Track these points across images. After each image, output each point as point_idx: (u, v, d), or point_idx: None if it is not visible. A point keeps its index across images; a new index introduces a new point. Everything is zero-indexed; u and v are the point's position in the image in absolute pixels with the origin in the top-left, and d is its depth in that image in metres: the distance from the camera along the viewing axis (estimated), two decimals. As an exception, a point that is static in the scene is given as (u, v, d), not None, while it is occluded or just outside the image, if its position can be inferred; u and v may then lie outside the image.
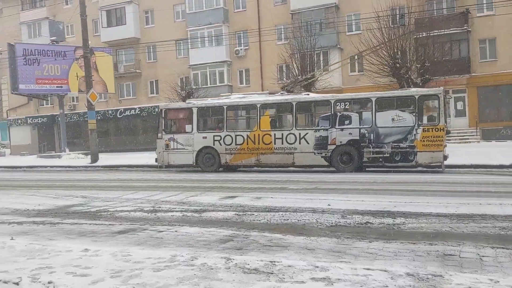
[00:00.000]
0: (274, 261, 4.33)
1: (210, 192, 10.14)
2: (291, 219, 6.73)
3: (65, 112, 32.16)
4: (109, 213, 7.83)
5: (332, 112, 15.26)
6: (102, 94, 33.12)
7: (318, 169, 15.66)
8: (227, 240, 5.53)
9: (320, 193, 9.48)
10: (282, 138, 15.88)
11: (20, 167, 23.50)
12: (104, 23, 34.89)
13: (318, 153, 15.40)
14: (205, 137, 17.06)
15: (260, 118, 16.21)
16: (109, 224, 6.73)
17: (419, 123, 14.16)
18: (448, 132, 14.60)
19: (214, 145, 16.93)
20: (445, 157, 14.26)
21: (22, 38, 36.72)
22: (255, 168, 16.55)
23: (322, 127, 15.42)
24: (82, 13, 22.28)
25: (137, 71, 34.99)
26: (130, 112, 34.02)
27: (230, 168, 16.91)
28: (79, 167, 21.72)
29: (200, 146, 17.12)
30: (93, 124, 22.46)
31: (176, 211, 7.70)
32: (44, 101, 37.04)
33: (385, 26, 21.85)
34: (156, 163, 17.18)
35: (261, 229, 6.09)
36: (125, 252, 4.73)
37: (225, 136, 16.65)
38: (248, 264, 4.25)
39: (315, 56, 26.13)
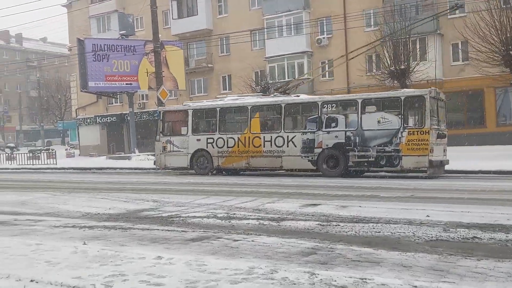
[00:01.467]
0: (365, 278, 4.26)
1: (288, 199, 10.25)
2: (383, 231, 6.63)
3: (134, 111, 33.99)
4: (181, 218, 8.16)
5: (319, 115, 16.29)
6: (173, 91, 34.59)
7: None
8: (309, 252, 5.52)
9: (417, 202, 9.31)
10: (271, 141, 17.09)
11: (90, 168, 25.23)
12: (175, 14, 36.44)
13: (305, 156, 16.46)
14: (199, 140, 18.65)
15: (250, 121, 17.51)
16: (182, 231, 7.01)
17: (405, 125, 14.90)
18: (443, 136, 15.31)
19: (207, 147, 18.44)
20: (441, 162, 15.03)
21: (92, 33, 39.41)
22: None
23: (309, 130, 16.44)
24: (152, 4, 23.43)
25: (209, 65, 36.09)
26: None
27: (220, 171, 18.45)
28: (149, 169, 22.76)
29: (194, 148, 18.73)
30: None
31: (252, 219, 7.85)
32: (113, 99, 39.52)
33: (496, 7, 20.52)
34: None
35: (348, 241, 6.04)
36: (199, 262, 4.91)
37: (218, 138, 18.18)
38: (335, 281, 4.21)
39: (410, 44, 25.21)
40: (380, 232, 6.60)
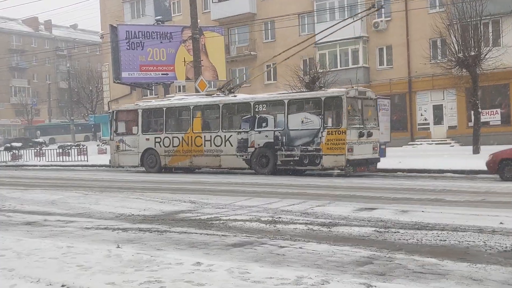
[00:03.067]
0: (429, 293, 4.19)
1: (340, 202, 10.26)
2: (449, 239, 6.55)
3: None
4: (221, 222, 8.28)
5: (252, 114, 18.48)
6: (212, 82, 34.96)
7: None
8: (365, 262, 5.48)
9: (489, 207, 9.17)
10: (210, 140, 19.39)
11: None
12: (215, -3, 36.78)
13: (240, 155, 18.71)
14: (148, 139, 21.10)
15: (193, 120, 19.91)
16: (222, 235, 7.11)
17: (325, 125, 16.93)
18: (370, 135, 17.20)
19: (155, 146, 20.89)
20: (366, 161, 17.06)
21: (125, 19, 40.36)
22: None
23: (244, 130, 18.66)
24: (190, -14, 23.77)
25: (252, 53, 36.23)
26: (243, 102, 35.41)
27: (168, 170, 20.73)
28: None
29: (144, 147, 21.20)
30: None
31: (300, 223, 7.88)
32: (148, 91, 40.36)
33: None
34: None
35: (409, 251, 5.99)
36: (242, 269, 4.96)
37: (164, 138, 20.57)
38: (395, 295, 4.17)
39: (481, 27, 24.42)
40: (445, 240, 6.51)
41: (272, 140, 18.00)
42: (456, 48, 23.70)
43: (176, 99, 21.57)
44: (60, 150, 32.03)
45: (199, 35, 24.96)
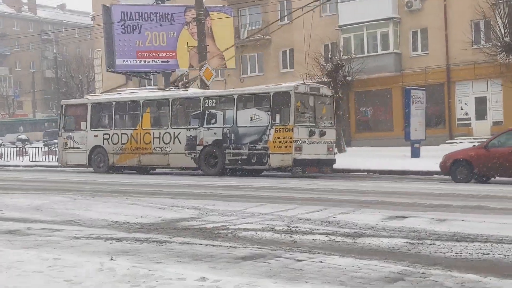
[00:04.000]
0: (470, 316, 4.17)
1: (367, 209, 10.30)
2: (493, 253, 6.54)
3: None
4: (229, 231, 8.30)
5: (201, 110, 19.75)
6: (219, 71, 35.04)
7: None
8: (395, 278, 5.47)
9: None
10: (159, 138, 20.59)
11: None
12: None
13: (188, 154, 19.87)
14: (97, 136, 22.27)
15: (142, 116, 21.21)
16: (230, 247, 7.11)
17: (273, 122, 18.12)
18: (323, 134, 18.47)
19: (103, 144, 22.05)
20: (318, 161, 18.48)
21: (120, -2, 40.51)
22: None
23: (193, 126, 19.91)
24: (194, -40, 23.82)
25: (266, 37, 36.25)
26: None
27: (118, 169, 22.13)
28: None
29: (92, 145, 22.40)
30: (207, 110, 23.86)
31: (320, 234, 7.87)
32: (146, 81, 40.54)
33: None
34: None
35: (446, 265, 5.97)
36: (253, 285, 4.97)
37: (113, 134, 21.76)
38: (430, 317, 4.15)
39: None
40: (489, 254, 6.50)
41: (221, 138, 19.22)
42: (502, 32, 23.54)
43: (126, 93, 23.20)
44: (46, 149, 32.25)
45: (204, 16, 25.03)
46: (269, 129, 18.21)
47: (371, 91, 32.60)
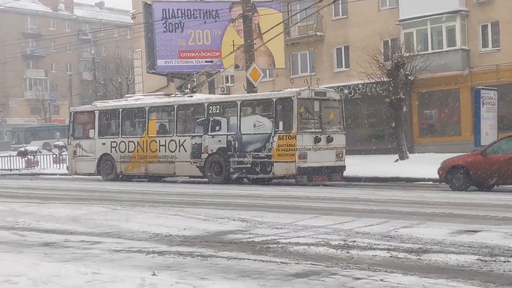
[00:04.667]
0: None
1: (433, 222, 10.19)
2: None
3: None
4: (279, 245, 8.28)
5: (206, 117, 20.82)
6: (267, 71, 35.12)
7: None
8: (465, 300, 5.36)
9: None
10: (165, 145, 21.77)
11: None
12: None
13: (194, 162, 20.95)
14: (104, 144, 23.63)
15: (148, 123, 22.55)
16: (281, 262, 7.10)
17: (276, 129, 19.01)
18: (330, 140, 19.25)
19: (111, 152, 23.36)
20: (327, 169, 19.10)
21: (162, -5, 41.08)
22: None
23: (197, 134, 21.05)
24: (240, -48, 23.98)
25: (318, 33, 36.17)
26: (306, 96, 35.40)
27: (125, 178, 23.35)
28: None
29: (100, 153, 23.71)
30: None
31: (380, 249, 7.81)
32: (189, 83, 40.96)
33: None
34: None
35: (523, 286, 5.86)
36: (306, 306, 4.94)
37: (120, 142, 23.15)
38: None
39: None
40: None
41: (225, 145, 20.19)
42: None
43: (133, 100, 24.47)
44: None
45: (251, 12, 25.13)
46: (273, 137, 19.03)
47: (436, 91, 32.06)
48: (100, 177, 24.42)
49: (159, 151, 21.99)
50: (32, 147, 43.60)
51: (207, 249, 8.14)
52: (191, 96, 22.57)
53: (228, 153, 20.01)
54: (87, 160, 24.35)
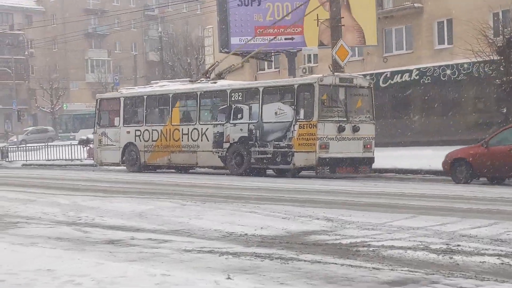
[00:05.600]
0: None
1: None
2: None
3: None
4: (371, 249, 8.24)
5: (228, 104, 22.00)
6: (357, 48, 34.75)
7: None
8: None
9: None
10: (188, 134, 23.13)
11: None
12: None
13: (215, 152, 22.20)
14: (129, 132, 25.29)
15: (171, 111, 24.02)
16: (373, 268, 7.06)
17: (297, 118, 19.98)
18: (356, 129, 20.09)
19: (135, 141, 25.00)
20: (352, 160, 20.04)
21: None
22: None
23: (220, 122, 22.30)
24: None
25: (416, 5, 35.50)
26: (401, 77, 34.78)
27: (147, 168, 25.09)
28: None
29: (125, 142, 25.36)
30: (342, 98, 23.78)
31: (489, 255, 7.67)
32: (266, 63, 41.08)
33: None
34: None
35: None
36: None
37: (144, 131, 24.70)
38: None
39: None
40: None
41: (247, 134, 21.30)
42: None
43: (158, 86, 26.08)
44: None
45: (338, -19, 24.88)
46: (293, 125, 20.00)
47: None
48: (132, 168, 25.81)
49: (182, 140, 23.38)
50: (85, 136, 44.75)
51: (288, 251, 8.17)
52: (215, 83, 23.96)
53: (250, 142, 21.15)
54: (112, 149, 26.06)
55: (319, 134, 19.37)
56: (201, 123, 22.93)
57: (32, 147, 40.26)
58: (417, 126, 33.76)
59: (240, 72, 43.67)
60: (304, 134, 19.70)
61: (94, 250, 8.58)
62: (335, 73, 20.36)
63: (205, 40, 51.73)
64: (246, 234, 9.69)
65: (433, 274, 6.74)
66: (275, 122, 20.60)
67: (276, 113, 20.66)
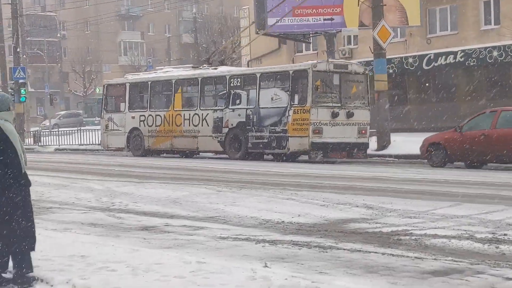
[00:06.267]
0: None
1: None
2: None
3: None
4: (413, 237, 8.23)
5: (227, 90, 23.42)
6: (399, 29, 34.43)
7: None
8: None
9: None
10: (189, 119, 24.56)
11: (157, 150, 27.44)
12: None
13: (215, 137, 23.62)
14: (134, 117, 26.76)
15: (174, 96, 25.56)
16: (415, 257, 7.06)
17: (292, 103, 21.29)
18: (350, 115, 21.14)
19: (140, 126, 26.45)
20: (347, 145, 21.20)
21: None
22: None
23: (219, 108, 23.69)
24: None
25: (462, -18, 35.00)
26: (446, 59, 34.33)
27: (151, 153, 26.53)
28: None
29: (130, 127, 26.83)
30: (383, 82, 23.64)
31: (539, 245, 7.62)
32: (303, 45, 40.98)
33: None
34: None
35: None
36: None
37: (148, 116, 26.16)
38: None
39: None
40: None
41: (244, 120, 22.61)
42: None
43: (162, 72, 27.65)
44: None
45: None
46: (288, 111, 21.25)
47: None
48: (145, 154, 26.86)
49: (184, 125, 24.84)
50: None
51: (326, 240, 8.19)
52: (216, 69, 25.25)
53: (247, 127, 22.49)
54: (118, 134, 27.50)
55: (312, 119, 20.53)
56: (201, 108, 24.33)
57: (65, 132, 40.72)
58: (462, 109, 33.35)
59: (277, 54, 43.75)
60: (298, 119, 20.91)
61: (128, 236, 8.70)
62: (329, 60, 21.90)
63: (240, 21, 51.73)
64: (283, 221, 9.73)
65: (478, 264, 6.71)
66: (271, 108, 21.90)
67: (272, 98, 21.93)
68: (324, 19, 32.24)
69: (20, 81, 39.69)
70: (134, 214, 10.85)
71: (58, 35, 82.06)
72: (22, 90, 39.30)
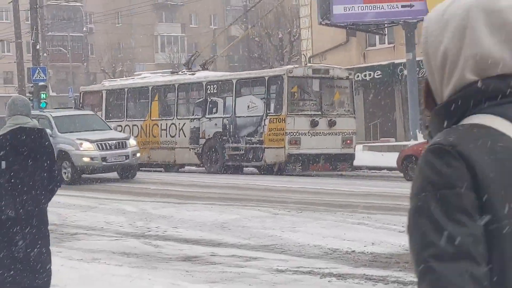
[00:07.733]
0: None
1: None
2: None
3: (417, 58, 34.35)
4: None
5: (204, 98, 25.08)
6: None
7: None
8: None
9: None
10: (166, 130, 26.15)
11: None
12: None
13: (192, 148, 25.10)
14: None
15: (151, 105, 27.17)
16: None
17: (267, 112, 22.67)
18: (332, 124, 22.37)
19: None
20: (328, 156, 22.38)
21: None
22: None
23: (196, 117, 25.21)
24: None
25: None
26: None
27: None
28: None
29: None
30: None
31: None
32: (377, 37, 40.69)
33: None
34: None
35: None
36: None
37: (125, 126, 27.42)
38: None
39: None
40: None
41: (221, 130, 24.00)
42: None
43: (139, 78, 29.65)
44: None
45: None
46: (264, 120, 22.56)
47: None
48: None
49: (161, 136, 26.34)
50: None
51: (407, 274, 8.07)
52: (193, 74, 27.22)
53: (223, 138, 23.89)
54: None
55: (288, 129, 21.85)
56: (178, 117, 25.92)
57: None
58: None
59: (345, 48, 43.48)
60: (274, 129, 22.23)
61: (167, 268, 8.72)
62: (308, 64, 23.16)
63: (300, 10, 51.62)
64: (353, 251, 9.67)
65: None
66: (247, 117, 23.31)
67: (248, 107, 23.31)
68: (402, 6, 32.00)
69: (40, 83, 40.04)
70: (173, 241, 10.88)
71: (84, 29, 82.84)
72: (42, 94, 39.59)
